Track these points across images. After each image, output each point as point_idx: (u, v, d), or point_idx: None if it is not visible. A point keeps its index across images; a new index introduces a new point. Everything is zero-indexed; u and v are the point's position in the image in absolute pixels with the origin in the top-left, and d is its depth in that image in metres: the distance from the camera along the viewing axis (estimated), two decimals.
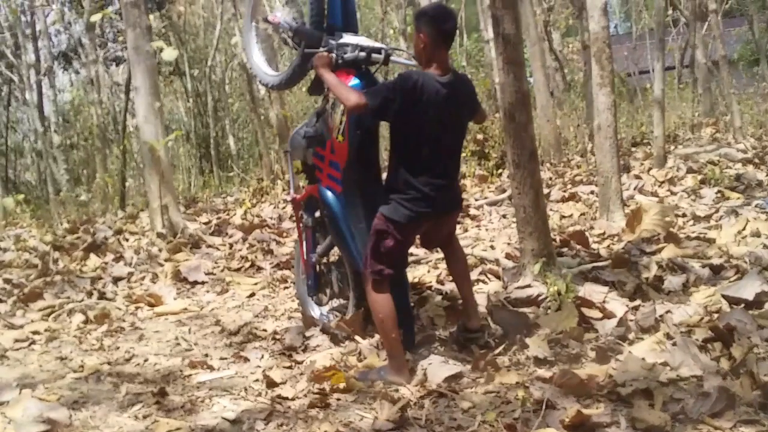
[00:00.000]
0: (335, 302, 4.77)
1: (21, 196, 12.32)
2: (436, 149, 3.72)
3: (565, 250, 5.75)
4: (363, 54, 4.07)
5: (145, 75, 8.28)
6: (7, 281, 6.67)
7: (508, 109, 4.81)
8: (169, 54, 8.08)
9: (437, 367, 3.80)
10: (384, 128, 4.76)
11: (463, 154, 12.04)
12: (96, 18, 11.09)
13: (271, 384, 3.80)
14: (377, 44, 4.34)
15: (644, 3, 24.60)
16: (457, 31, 20.78)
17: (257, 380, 3.94)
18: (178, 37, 18.59)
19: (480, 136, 11.15)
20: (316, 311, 4.78)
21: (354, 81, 4.08)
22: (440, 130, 3.72)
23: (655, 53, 11.51)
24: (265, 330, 4.89)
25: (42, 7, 17.22)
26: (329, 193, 4.23)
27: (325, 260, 4.67)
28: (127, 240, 8.79)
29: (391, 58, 4.32)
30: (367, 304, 4.02)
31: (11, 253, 8.33)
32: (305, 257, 4.67)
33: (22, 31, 17.60)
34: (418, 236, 4.14)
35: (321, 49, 4.12)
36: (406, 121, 3.66)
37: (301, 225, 4.70)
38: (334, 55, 4.02)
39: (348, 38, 4.21)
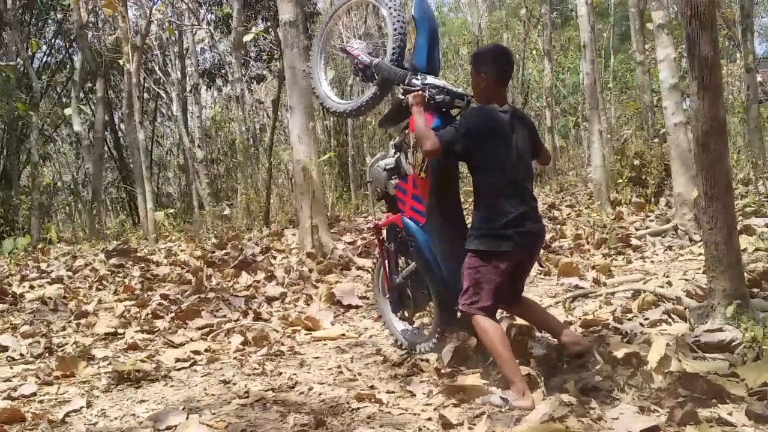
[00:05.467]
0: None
1: (170, 210, 12.72)
2: (511, 176, 3.84)
3: (755, 290, 5.22)
4: (448, 98, 4.29)
5: (300, 95, 8.31)
6: (164, 297, 6.74)
7: (701, 137, 4.42)
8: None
9: (630, 419, 3.43)
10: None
11: (619, 181, 11.63)
12: (248, 37, 11.32)
13: (447, 425, 3.52)
14: (458, 90, 4.45)
15: None
16: (602, 52, 20.34)
17: (429, 419, 3.67)
18: None
19: (637, 162, 10.62)
20: (400, 326, 4.98)
21: (436, 121, 4.27)
22: (511, 156, 3.85)
23: None
24: (427, 361, 4.63)
25: (192, 27, 17.81)
26: (413, 225, 4.41)
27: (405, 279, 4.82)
28: (274, 258, 8.78)
29: (471, 104, 4.39)
30: (449, 330, 4.49)
31: (164, 267, 8.46)
32: (388, 279, 4.83)
33: (172, 50, 18.28)
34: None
35: (417, 87, 4.31)
36: (479, 153, 3.84)
37: (383, 249, 4.88)
38: (427, 94, 4.23)
39: (432, 80, 4.40)
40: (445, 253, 4.27)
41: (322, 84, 5.16)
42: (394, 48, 4.49)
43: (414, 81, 4.36)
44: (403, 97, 4.37)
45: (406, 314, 4.89)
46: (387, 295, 4.94)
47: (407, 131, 4.50)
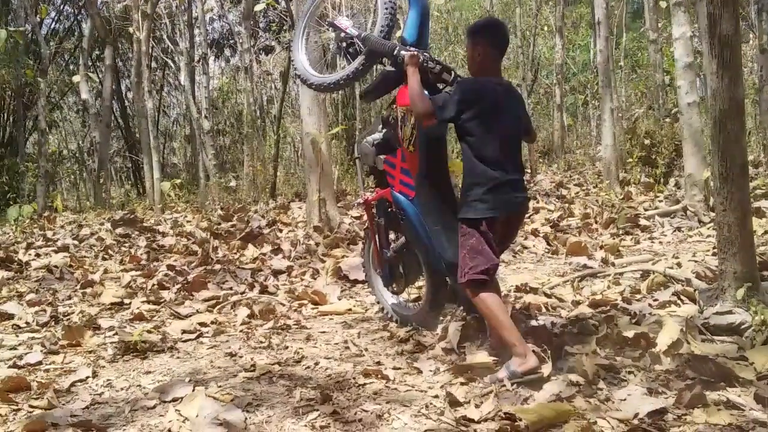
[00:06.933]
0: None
1: (177, 181, 12.68)
2: (498, 146, 3.83)
3: (765, 273, 5.16)
4: (438, 67, 4.24)
5: None
6: (170, 268, 6.72)
7: (719, 117, 4.35)
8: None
9: (638, 400, 3.40)
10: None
11: (629, 160, 11.56)
12: (259, 7, 11.19)
13: (454, 403, 3.48)
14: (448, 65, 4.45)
15: None
16: (614, 29, 20.17)
17: (436, 396, 3.64)
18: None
19: (647, 142, 10.53)
20: (391, 299, 5.04)
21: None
22: (501, 127, 3.84)
23: None
24: (431, 338, 4.60)
25: None
26: (403, 198, 4.44)
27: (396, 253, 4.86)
28: (281, 231, 8.75)
29: (458, 80, 4.35)
30: (441, 304, 4.60)
31: (170, 238, 8.44)
32: (379, 253, 4.89)
33: (181, 19, 18.14)
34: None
35: (411, 49, 4.26)
36: (470, 120, 3.82)
37: (374, 224, 4.92)
38: (422, 57, 4.18)
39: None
40: (435, 226, 4.30)
41: (301, 57, 5.08)
42: (383, 26, 4.46)
43: (403, 53, 4.31)
44: (391, 69, 4.36)
45: (398, 288, 4.95)
46: (378, 270, 5.01)
47: (395, 106, 4.50)
